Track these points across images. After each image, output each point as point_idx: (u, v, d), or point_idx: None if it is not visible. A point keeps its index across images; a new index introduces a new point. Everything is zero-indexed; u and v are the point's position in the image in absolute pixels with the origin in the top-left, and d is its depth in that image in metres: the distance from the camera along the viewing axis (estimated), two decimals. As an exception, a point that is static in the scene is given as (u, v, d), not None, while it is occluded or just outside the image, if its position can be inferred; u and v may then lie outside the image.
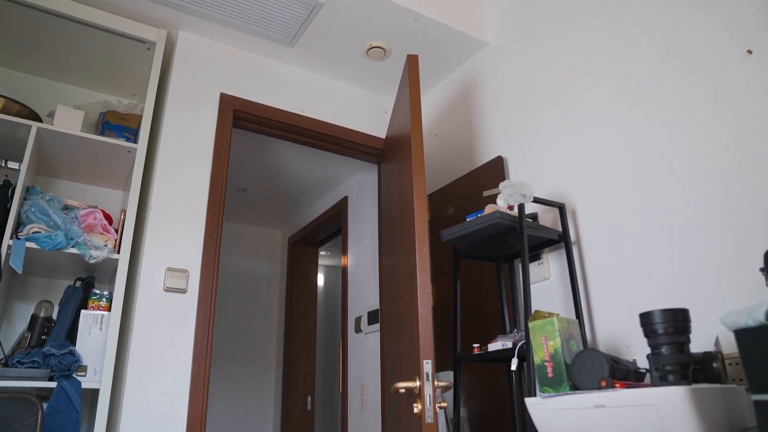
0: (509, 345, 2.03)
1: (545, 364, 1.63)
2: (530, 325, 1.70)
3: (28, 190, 2.33)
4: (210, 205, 2.57)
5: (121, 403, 2.19)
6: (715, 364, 1.52)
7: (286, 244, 5.13)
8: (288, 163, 3.93)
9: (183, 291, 2.39)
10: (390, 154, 2.80)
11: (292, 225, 5.08)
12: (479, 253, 2.41)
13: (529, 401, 1.62)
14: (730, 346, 1.66)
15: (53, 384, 2.08)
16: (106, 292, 2.38)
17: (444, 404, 1.80)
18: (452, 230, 2.18)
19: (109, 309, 2.32)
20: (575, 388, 1.59)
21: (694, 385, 1.34)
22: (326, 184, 4.26)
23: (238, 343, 4.81)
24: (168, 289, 2.36)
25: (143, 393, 2.22)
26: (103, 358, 2.21)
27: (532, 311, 1.82)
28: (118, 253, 2.34)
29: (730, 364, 1.67)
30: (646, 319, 1.49)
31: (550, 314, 1.70)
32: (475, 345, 2.21)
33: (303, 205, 4.73)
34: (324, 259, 6.09)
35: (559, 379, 1.60)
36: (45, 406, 1.94)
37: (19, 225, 2.21)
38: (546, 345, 1.64)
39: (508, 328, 2.41)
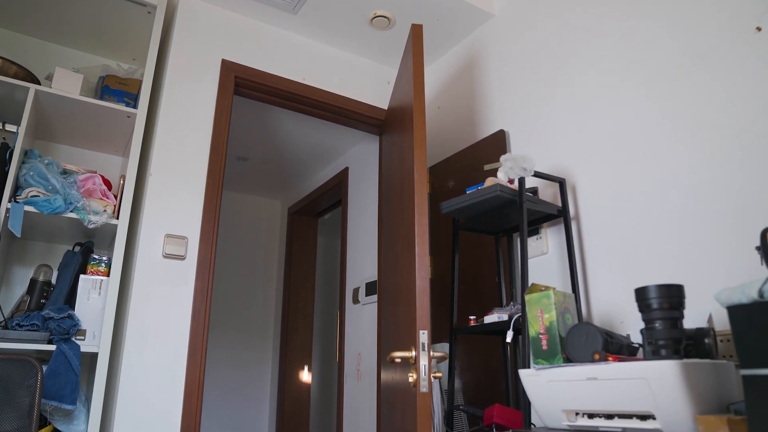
0: (505, 317, 2.04)
1: (540, 336, 1.65)
2: (527, 298, 1.71)
3: (26, 154, 2.32)
4: (210, 173, 2.56)
5: (120, 367, 2.22)
6: (707, 340, 1.53)
7: (285, 215, 5.14)
8: (289, 132, 3.91)
9: (182, 258, 2.40)
10: (392, 125, 2.78)
11: (292, 195, 5.08)
12: (478, 226, 2.41)
13: (522, 373, 1.64)
14: (722, 323, 1.68)
15: (52, 347, 2.10)
16: (105, 258, 2.39)
17: (439, 374, 1.82)
18: (452, 202, 2.18)
19: (107, 274, 2.33)
20: (569, 360, 1.61)
21: (686, 360, 1.36)
22: (327, 154, 4.24)
23: (236, 312, 4.84)
24: (167, 256, 2.37)
25: (141, 358, 2.24)
26: (101, 322, 2.23)
27: (529, 285, 1.82)
28: (117, 218, 2.34)
29: (721, 341, 1.69)
30: (641, 294, 1.49)
31: (547, 288, 1.70)
32: (472, 317, 2.22)
33: (303, 176, 4.72)
34: (323, 229, 6.10)
35: (553, 352, 1.61)
36: (44, 368, 1.96)
37: (17, 188, 2.21)
38: (541, 318, 1.65)
39: (504, 301, 2.42)
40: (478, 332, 2.27)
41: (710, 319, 1.65)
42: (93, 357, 2.25)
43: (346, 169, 4.07)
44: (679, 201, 1.91)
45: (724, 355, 1.68)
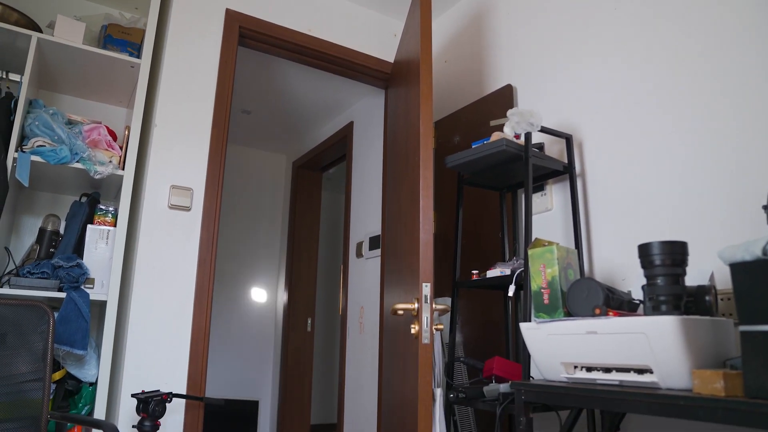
0: (507, 272, 2.07)
1: (542, 291, 1.67)
2: (530, 252, 1.72)
3: (30, 104, 2.31)
4: (215, 124, 2.55)
5: (128, 315, 2.26)
6: (707, 298, 1.55)
7: (290, 169, 5.13)
8: (293, 85, 3.87)
9: (187, 209, 2.41)
10: (398, 78, 2.75)
11: (296, 149, 5.06)
12: (483, 181, 2.41)
13: (523, 326, 1.67)
14: (723, 282, 1.69)
15: (62, 294, 2.14)
16: (111, 208, 2.41)
17: (441, 326, 1.85)
18: (457, 156, 2.17)
19: (114, 225, 2.35)
20: (569, 315, 1.63)
21: (685, 316, 1.38)
22: (332, 108, 4.21)
23: (240, 264, 4.90)
24: (172, 207, 2.39)
25: (149, 306, 2.28)
26: (109, 271, 2.27)
27: (533, 240, 1.84)
28: (123, 169, 2.34)
29: (722, 300, 1.71)
30: (644, 250, 1.51)
31: (550, 243, 1.72)
32: (474, 271, 2.25)
33: (308, 130, 4.69)
34: (327, 184, 6.11)
35: (554, 306, 1.64)
36: (56, 315, 2.00)
37: (23, 139, 2.21)
38: (544, 272, 1.67)
39: (507, 257, 2.45)
40: (481, 286, 2.30)
41: (712, 278, 1.66)
42: (102, 305, 2.30)
43: (351, 123, 4.04)
44: (684, 159, 1.90)
45: (723, 313, 1.71)
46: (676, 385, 1.38)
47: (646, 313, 1.50)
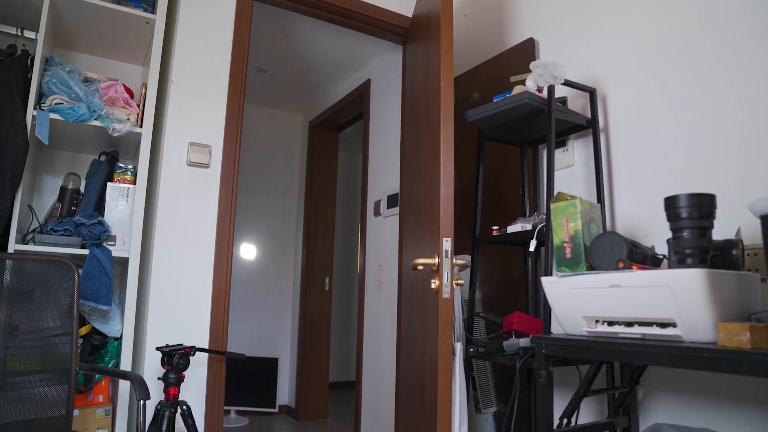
0: (528, 227, 2.05)
1: (564, 245, 1.65)
2: (552, 206, 1.70)
3: (47, 61, 2.29)
4: (232, 80, 2.53)
5: (150, 271, 2.29)
6: (734, 252, 1.52)
7: (306, 128, 5.10)
8: (310, 42, 3.80)
9: (206, 166, 2.41)
10: (416, 33, 2.69)
11: (313, 109, 5.02)
12: (504, 136, 2.38)
13: (545, 280, 1.66)
14: (750, 237, 1.66)
15: (85, 251, 2.17)
16: (130, 166, 2.42)
17: (461, 281, 1.85)
18: (478, 110, 2.13)
19: (134, 182, 2.36)
20: (592, 269, 1.62)
21: (711, 269, 1.36)
22: (348, 66, 4.14)
23: (257, 224, 4.93)
24: (191, 164, 2.39)
25: (170, 262, 2.31)
26: (130, 228, 2.29)
27: (555, 194, 1.81)
28: (141, 127, 2.34)
29: (749, 255, 1.68)
30: (671, 202, 1.48)
31: (573, 197, 1.69)
32: (495, 227, 2.23)
33: (324, 88, 4.64)
34: (344, 145, 6.08)
35: (576, 260, 1.62)
36: (80, 271, 2.03)
37: (41, 97, 2.20)
38: (566, 226, 1.65)
39: (528, 213, 2.42)
40: (501, 242, 2.29)
41: (738, 233, 1.63)
42: (124, 262, 2.33)
43: (368, 80, 3.98)
44: (712, 113, 1.85)
45: (750, 269, 1.68)
46: (699, 339, 1.37)
47: (670, 267, 1.48)
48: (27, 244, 2.12)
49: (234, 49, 2.55)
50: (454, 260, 1.82)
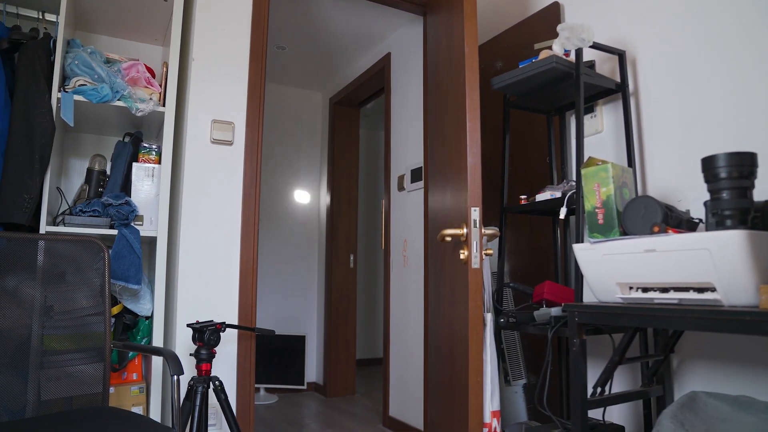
0: (558, 195, 2.01)
1: (596, 210, 1.61)
2: (583, 171, 1.66)
3: (69, 44, 2.30)
4: (252, 57, 2.50)
5: (178, 250, 2.31)
6: (776, 212, 1.48)
7: (327, 106, 5.07)
8: (327, 17, 3.76)
9: (230, 143, 2.41)
10: (438, 1, 2.63)
11: (333, 86, 4.98)
12: (530, 104, 2.32)
13: (576, 247, 1.62)
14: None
15: (114, 231, 2.19)
16: (155, 146, 2.42)
17: (490, 251, 1.83)
18: (504, 77, 2.08)
19: (159, 162, 2.37)
20: (625, 234, 1.58)
21: (752, 231, 1.31)
22: (368, 40, 4.09)
23: (280, 203, 4.94)
24: (215, 141, 2.38)
25: (197, 240, 2.32)
26: (157, 208, 2.30)
27: (586, 159, 1.77)
28: (164, 106, 2.33)
29: (789, 216, 1.62)
30: (708, 162, 1.43)
31: (604, 162, 1.65)
32: (522, 196, 2.19)
33: (344, 64, 4.59)
34: (364, 122, 6.04)
35: (609, 226, 1.58)
36: (109, 251, 2.05)
37: (64, 79, 2.21)
38: (598, 192, 1.61)
39: (556, 181, 2.38)
40: (529, 212, 2.26)
41: None
42: (152, 241, 2.35)
43: (388, 54, 3.93)
44: (745, 73, 1.77)
45: None
46: (740, 302, 1.33)
47: (708, 229, 1.44)
48: (57, 225, 2.15)
49: (253, 26, 2.53)
50: (483, 230, 1.79)
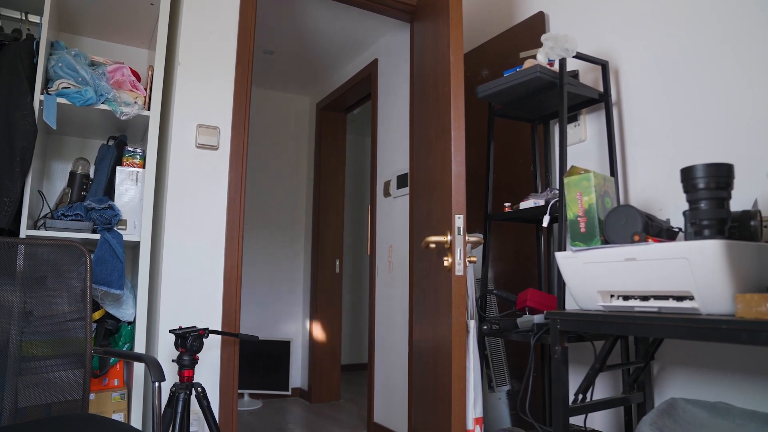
0: (541, 203, 2.03)
1: (578, 219, 1.63)
2: (566, 180, 1.68)
3: (52, 45, 2.28)
4: (239, 61, 2.50)
5: (161, 255, 2.29)
6: (752, 222, 1.50)
7: (314, 111, 5.07)
8: (315, 23, 3.76)
9: (215, 148, 2.40)
10: (425, 9, 2.64)
11: (320, 91, 4.98)
12: (514, 112, 2.34)
13: (559, 255, 1.64)
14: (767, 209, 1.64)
15: (96, 236, 2.17)
16: (139, 150, 2.41)
17: (473, 258, 1.84)
18: (489, 85, 2.10)
19: (143, 166, 2.35)
20: (607, 243, 1.60)
21: (729, 240, 1.33)
22: (355, 46, 4.10)
23: (268, 208, 4.93)
24: (200, 146, 2.37)
25: (181, 246, 2.31)
26: (141, 213, 2.29)
27: (569, 168, 1.79)
28: (149, 110, 2.32)
29: (766, 226, 1.65)
30: (687, 173, 1.45)
31: (587, 171, 1.67)
32: (507, 204, 2.21)
33: (331, 70, 4.60)
34: (351, 127, 6.04)
35: (591, 234, 1.60)
36: (92, 256, 2.03)
37: (47, 81, 2.19)
38: (580, 200, 1.63)
39: (540, 189, 2.40)
40: (514, 219, 2.27)
41: (755, 204, 1.61)
42: (135, 246, 2.33)
43: (376, 60, 3.94)
44: (724, 85, 1.81)
45: (767, 240, 1.65)
46: (717, 311, 1.35)
47: (687, 239, 1.46)
48: (38, 229, 2.13)
49: (240, 30, 2.52)
50: (467, 237, 1.80)
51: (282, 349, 4.52)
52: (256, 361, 4.49)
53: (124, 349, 2.29)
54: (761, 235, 1.54)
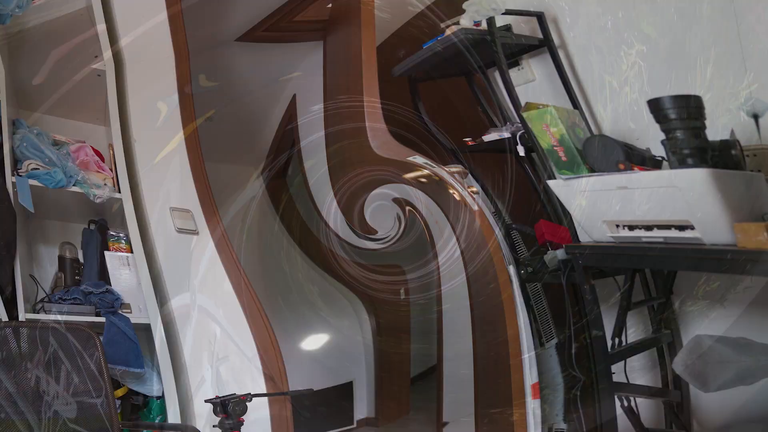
0: (507, 135, 2.00)
1: (555, 148, 1.64)
2: (525, 115, 1.68)
3: (14, 124, 2.20)
4: (187, 136, 2.41)
5: (177, 331, 2.22)
6: (733, 151, 1.48)
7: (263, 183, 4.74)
8: (240, 71, 3.54)
9: (195, 232, 2.33)
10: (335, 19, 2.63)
11: (260, 155, 4.58)
12: (442, 73, 2.31)
13: (552, 183, 1.65)
14: (743, 140, 1.62)
15: (100, 319, 2.12)
16: (122, 234, 2.36)
17: (474, 189, 1.81)
18: (406, 62, 2.09)
19: (130, 251, 2.30)
20: (593, 171, 1.60)
21: (716, 169, 1.34)
22: (276, 86, 3.83)
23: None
24: (180, 231, 2.30)
25: (200, 324, 2.25)
26: (142, 295, 2.23)
27: (523, 105, 1.80)
28: (119, 191, 2.27)
29: (747, 156, 1.64)
30: (655, 105, 1.45)
31: (545, 105, 1.69)
32: (467, 139, 2.17)
33: (263, 124, 4.26)
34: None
35: (574, 162, 1.61)
36: (100, 338, 2.00)
37: (16, 162, 2.13)
38: (549, 131, 1.64)
39: (499, 126, 2.34)
40: (483, 151, 2.21)
41: (733, 133, 1.59)
42: (146, 327, 2.24)
43: (294, 96, 3.73)
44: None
45: (752, 170, 1.64)
46: (719, 241, 1.36)
47: (672, 167, 1.46)
48: (38, 312, 2.06)
49: (181, 102, 2.45)
50: (449, 168, 1.75)
51: (344, 393, 4.09)
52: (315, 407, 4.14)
53: (158, 420, 2.23)
54: (745, 164, 1.53)
